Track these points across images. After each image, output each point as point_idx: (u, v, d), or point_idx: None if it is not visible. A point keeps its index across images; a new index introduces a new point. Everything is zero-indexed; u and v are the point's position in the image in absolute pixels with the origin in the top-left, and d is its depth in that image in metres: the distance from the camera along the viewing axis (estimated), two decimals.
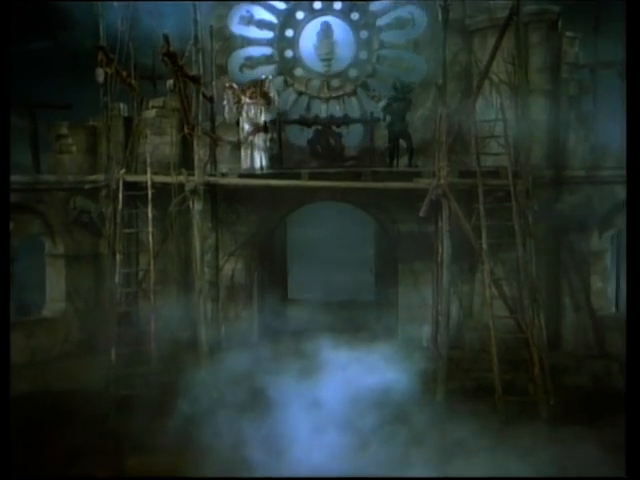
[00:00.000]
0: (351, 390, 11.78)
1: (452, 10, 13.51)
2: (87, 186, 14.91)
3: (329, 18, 15.90)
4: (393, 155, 14.99)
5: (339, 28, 15.86)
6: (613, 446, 10.06)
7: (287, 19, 16.04)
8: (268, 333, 15.90)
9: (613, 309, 15.14)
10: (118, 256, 13.92)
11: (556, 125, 14.86)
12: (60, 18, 15.50)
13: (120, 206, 13.90)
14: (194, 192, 13.65)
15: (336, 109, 15.93)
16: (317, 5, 16.00)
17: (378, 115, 15.05)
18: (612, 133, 14.23)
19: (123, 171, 14.02)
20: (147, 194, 13.84)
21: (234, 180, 14.59)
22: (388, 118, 14.87)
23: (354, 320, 16.92)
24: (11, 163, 10.23)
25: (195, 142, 13.58)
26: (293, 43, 16.09)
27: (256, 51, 16.08)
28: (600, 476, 9.69)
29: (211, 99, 14.85)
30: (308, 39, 15.99)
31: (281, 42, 16.08)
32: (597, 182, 14.52)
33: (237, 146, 14.99)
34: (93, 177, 15.03)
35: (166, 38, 11.84)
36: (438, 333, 14.01)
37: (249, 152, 14.65)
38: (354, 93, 16.07)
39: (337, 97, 16.06)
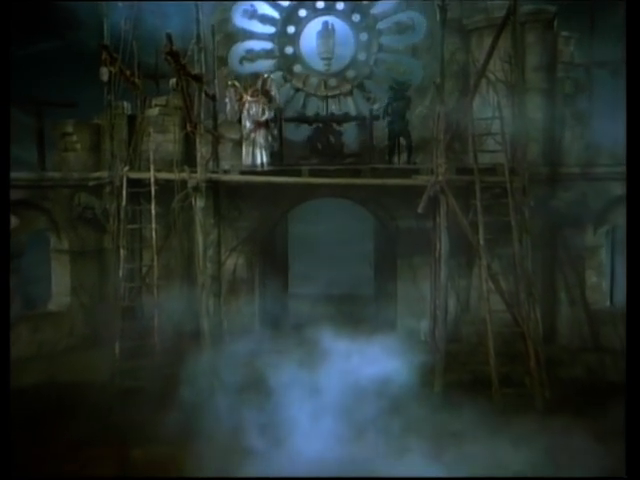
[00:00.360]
0: (350, 381, 11.85)
1: (450, 10, 13.61)
2: (91, 183, 15.01)
3: (331, 18, 16.02)
4: (393, 152, 15.10)
5: (340, 28, 15.98)
6: (605, 435, 10.32)
7: (290, 16, 16.15)
8: (269, 326, 16.00)
9: (607, 303, 15.23)
10: (122, 251, 14.09)
11: (552, 123, 14.94)
12: (65, 19, 15.58)
13: (124, 202, 14.07)
14: (196, 189, 13.78)
15: (332, 108, 16.04)
16: (320, 4, 16.12)
17: (377, 113, 15.16)
18: (607, 131, 14.25)
19: (127, 168, 14.16)
20: (150, 191, 13.99)
21: (236, 177, 14.71)
22: (388, 117, 14.99)
23: (354, 314, 16.97)
24: (18, 161, 10.43)
25: (197, 140, 13.73)
26: (294, 40, 16.19)
27: (257, 45, 16.18)
28: (600, 476, 9.76)
29: (213, 97, 14.94)
30: (309, 37, 16.10)
31: (282, 38, 16.18)
32: (592, 179, 14.57)
33: (239, 143, 15.07)
34: (97, 174, 15.11)
35: (169, 37, 11.94)
36: (436, 327, 14.15)
37: (250, 149, 14.73)
38: (350, 93, 16.19)
39: (333, 96, 16.16)
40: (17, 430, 10.35)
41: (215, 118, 15.16)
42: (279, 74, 16.11)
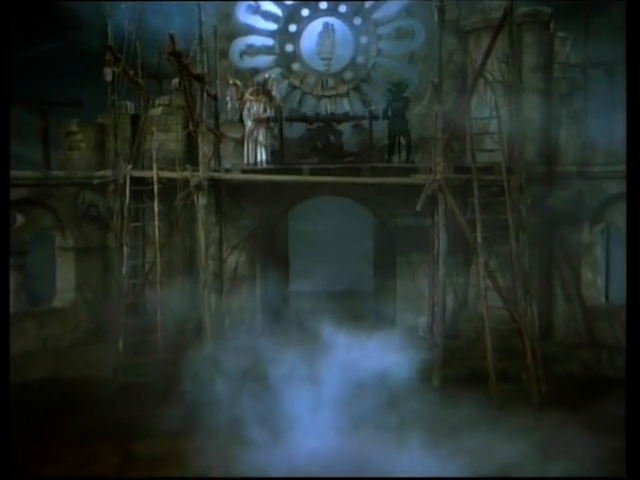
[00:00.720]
0: (350, 376, 11.88)
1: (448, 11, 13.75)
2: (96, 181, 15.10)
3: (332, 19, 16.15)
4: (392, 151, 15.18)
5: (341, 30, 16.11)
6: (600, 429, 10.57)
7: (292, 14, 16.27)
8: (270, 322, 16.09)
9: (603, 299, 15.32)
10: (125, 249, 14.16)
11: (548, 122, 15.04)
12: (69, 19, 15.70)
13: (127, 200, 14.11)
14: (199, 187, 13.88)
15: (327, 107, 16.15)
16: (323, 5, 16.25)
17: (377, 113, 15.23)
18: (603, 130, 14.45)
19: (130, 167, 14.21)
20: (153, 189, 14.07)
21: (237, 175, 14.82)
22: (388, 118, 15.08)
23: (353, 310, 16.98)
24: (23, 159, 10.53)
25: (200, 139, 13.84)
26: (295, 38, 16.30)
27: (258, 40, 16.27)
28: (600, 476, 9.82)
29: (215, 97, 15.04)
30: (310, 36, 16.22)
31: (283, 35, 16.29)
32: (588, 177, 14.66)
33: (240, 142, 15.18)
34: (101, 173, 15.17)
35: (172, 38, 12.04)
36: (434, 323, 14.24)
37: (252, 148, 14.86)
38: (346, 94, 16.29)
39: (330, 96, 16.26)
40: (21, 424, 10.58)
41: (217, 117, 15.22)
42: (277, 70, 16.20)
